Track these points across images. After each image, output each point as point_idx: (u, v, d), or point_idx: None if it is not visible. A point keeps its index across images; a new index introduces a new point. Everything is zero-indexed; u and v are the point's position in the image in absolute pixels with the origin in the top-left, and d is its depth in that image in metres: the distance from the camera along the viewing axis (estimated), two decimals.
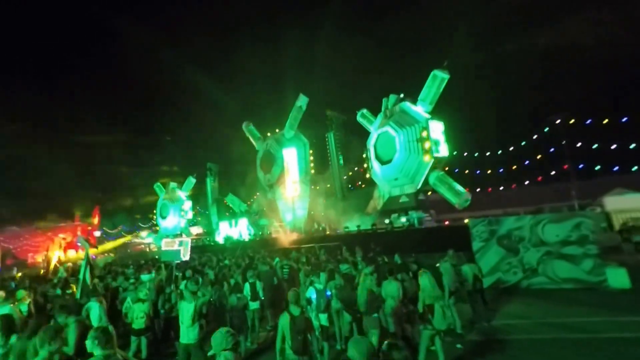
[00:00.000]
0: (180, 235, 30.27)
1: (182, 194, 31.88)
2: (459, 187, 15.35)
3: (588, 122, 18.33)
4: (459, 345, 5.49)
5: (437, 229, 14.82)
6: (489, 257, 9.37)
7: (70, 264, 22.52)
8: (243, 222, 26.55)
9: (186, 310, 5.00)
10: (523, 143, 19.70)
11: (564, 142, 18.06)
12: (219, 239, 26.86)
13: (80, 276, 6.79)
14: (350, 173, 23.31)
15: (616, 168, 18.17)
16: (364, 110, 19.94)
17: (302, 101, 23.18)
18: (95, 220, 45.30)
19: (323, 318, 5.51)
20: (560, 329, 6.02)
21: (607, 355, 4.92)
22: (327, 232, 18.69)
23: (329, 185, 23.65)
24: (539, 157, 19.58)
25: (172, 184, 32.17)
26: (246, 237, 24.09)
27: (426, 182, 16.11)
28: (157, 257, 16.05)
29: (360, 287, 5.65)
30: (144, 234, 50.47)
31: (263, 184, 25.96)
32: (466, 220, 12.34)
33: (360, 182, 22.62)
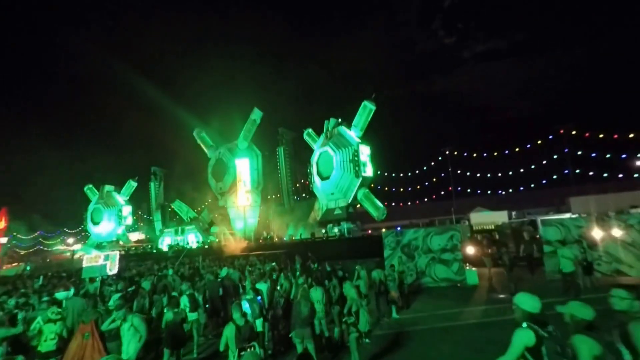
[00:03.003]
0: (117, 242, 27.21)
1: (120, 198, 28.06)
2: (379, 203, 17.74)
3: (465, 154, 23.93)
4: (367, 340, 5.88)
5: (361, 238, 16.66)
6: (394, 262, 10.77)
7: None
8: (191, 229, 24.82)
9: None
10: (425, 168, 24.70)
11: (449, 169, 23.58)
12: (163, 246, 24.76)
13: None
14: (298, 185, 24.07)
15: (479, 191, 24.26)
16: (309, 130, 21.22)
17: (256, 115, 23.32)
18: (2, 224, 36.60)
19: (259, 324, 5.49)
20: (436, 320, 7.25)
21: (463, 338, 6.04)
22: (275, 240, 19.29)
23: (278, 196, 24.16)
24: (434, 179, 24.95)
25: (108, 187, 28.08)
26: (194, 245, 22.64)
27: (355, 197, 18.07)
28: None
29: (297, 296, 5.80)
30: (70, 240, 43.53)
31: (214, 191, 25.07)
32: (383, 230, 14.75)
33: (304, 194, 23.89)
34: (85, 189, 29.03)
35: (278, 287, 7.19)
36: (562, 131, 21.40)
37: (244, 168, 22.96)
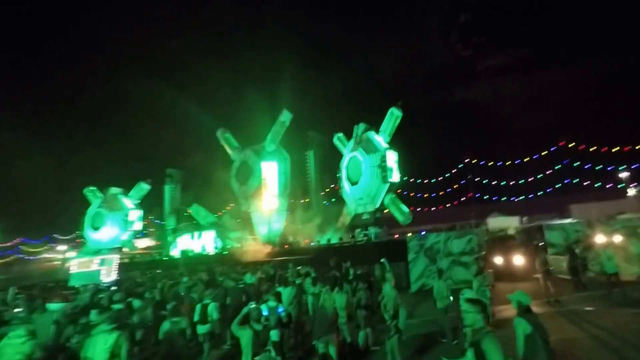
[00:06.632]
0: (120, 249, 27.46)
1: (127, 201, 28.41)
2: (405, 208, 20.50)
3: (483, 162, 27.76)
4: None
5: (387, 242, 18.88)
6: (418, 265, 13.30)
7: None
8: (209, 235, 25.81)
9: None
10: (447, 175, 28.66)
11: (469, 176, 27.61)
12: (175, 252, 25.49)
13: None
14: (328, 190, 26.41)
15: (495, 198, 28.66)
16: (340, 134, 23.50)
17: (285, 117, 25.24)
18: None
19: (274, 334, 5.63)
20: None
21: None
22: (301, 245, 21.43)
23: (306, 200, 26.53)
24: (455, 186, 28.96)
25: (113, 189, 28.44)
26: (212, 251, 23.90)
27: (382, 202, 20.86)
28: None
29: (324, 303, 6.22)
30: (62, 247, 44.16)
31: (238, 195, 26.74)
32: (409, 234, 17.63)
33: (334, 199, 26.31)
34: (85, 191, 28.94)
35: (302, 294, 7.78)
36: (562, 143, 25.95)
37: (270, 171, 24.27)
